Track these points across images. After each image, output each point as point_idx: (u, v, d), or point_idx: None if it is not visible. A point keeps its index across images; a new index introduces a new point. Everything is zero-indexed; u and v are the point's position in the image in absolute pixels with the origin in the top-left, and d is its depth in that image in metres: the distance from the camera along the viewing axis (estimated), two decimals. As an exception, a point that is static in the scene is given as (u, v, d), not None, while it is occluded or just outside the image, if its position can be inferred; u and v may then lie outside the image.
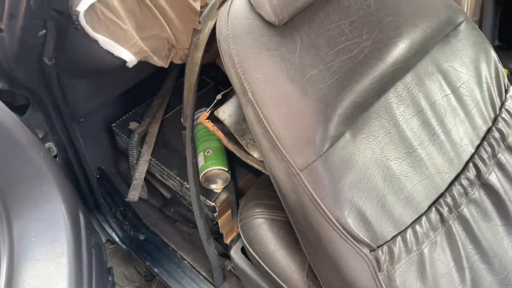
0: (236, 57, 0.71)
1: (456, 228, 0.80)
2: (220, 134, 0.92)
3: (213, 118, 0.95)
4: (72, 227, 0.75)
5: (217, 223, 1.22)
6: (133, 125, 1.33)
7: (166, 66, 0.91)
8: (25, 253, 0.67)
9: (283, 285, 0.92)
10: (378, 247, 0.72)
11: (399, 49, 0.78)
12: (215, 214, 1.18)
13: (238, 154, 0.92)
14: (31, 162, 0.70)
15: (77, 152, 1.15)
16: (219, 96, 0.93)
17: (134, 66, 0.92)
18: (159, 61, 0.88)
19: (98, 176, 1.41)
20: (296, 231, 0.79)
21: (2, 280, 0.64)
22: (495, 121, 0.92)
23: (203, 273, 1.21)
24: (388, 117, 0.78)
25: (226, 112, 0.93)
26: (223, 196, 1.18)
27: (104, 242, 1.32)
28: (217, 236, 1.28)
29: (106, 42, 0.77)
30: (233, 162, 1.23)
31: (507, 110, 0.94)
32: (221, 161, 1.16)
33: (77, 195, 0.84)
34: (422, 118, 0.82)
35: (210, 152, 1.17)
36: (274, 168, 0.73)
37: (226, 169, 1.15)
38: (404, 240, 0.74)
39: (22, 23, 0.71)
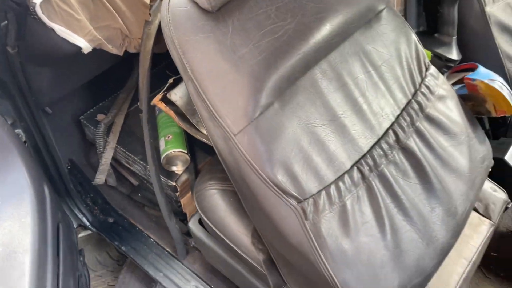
0: (176, 40, 0.82)
1: (376, 184, 0.92)
2: (172, 113, 1.03)
3: (166, 101, 1.06)
4: (36, 193, 0.84)
5: (180, 204, 1.32)
6: (100, 116, 1.43)
7: (121, 54, 1.02)
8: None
9: (235, 247, 1.02)
10: (304, 199, 0.84)
11: (321, 31, 0.90)
12: (177, 194, 1.28)
13: (189, 131, 1.03)
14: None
15: (45, 141, 1.24)
16: (170, 81, 1.04)
17: (96, 57, 1.02)
18: (113, 49, 0.99)
19: (69, 167, 1.50)
20: (238, 192, 0.90)
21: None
22: (414, 94, 1.05)
23: (167, 249, 1.31)
24: (314, 90, 0.90)
25: (177, 95, 1.04)
26: (184, 177, 1.28)
27: (75, 227, 1.40)
28: (182, 217, 1.38)
29: (61, 31, 0.87)
30: (193, 146, 1.33)
31: (426, 85, 1.07)
32: (181, 144, 1.26)
33: (42, 171, 0.94)
34: (345, 91, 0.94)
35: (171, 137, 1.27)
36: (213, 135, 0.85)
37: (186, 152, 1.25)
38: (328, 194, 0.86)
39: (-13, 15, 0.81)
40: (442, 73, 1.29)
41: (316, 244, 0.83)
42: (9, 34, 0.87)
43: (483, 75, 1.14)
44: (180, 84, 1.05)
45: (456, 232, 0.99)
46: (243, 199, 0.90)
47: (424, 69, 1.10)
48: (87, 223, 1.38)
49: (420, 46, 1.11)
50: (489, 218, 1.17)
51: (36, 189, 0.86)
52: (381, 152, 0.95)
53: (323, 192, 0.86)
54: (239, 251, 1.01)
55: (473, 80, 1.13)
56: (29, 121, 1.11)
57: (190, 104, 1.04)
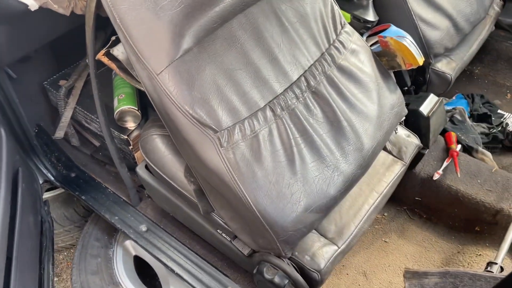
0: (107, -5, 0.97)
1: (287, 121, 1.07)
2: (113, 66, 1.17)
3: (110, 56, 1.20)
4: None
5: (134, 158, 1.47)
6: (62, 82, 1.57)
7: (67, 14, 1.15)
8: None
9: (172, 182, 1.17)
10: (220, 130, 0.99)
11: (237, -11, 1.05)
12: (130, 148, 1.43)
13: (129, 82, 1.18)
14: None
15: (9, 103, 1.37)
16: (113, 38, 1.19)
17: (50, 19, 1.16)
18: (60, 9, 1.12)
19: (36, 130, 1.64)
20: (166, 127, 1.05)
21: None
22: (328, 48, 1.20)
23: (123, 197, 1.46)
24: (231, 39, 1.04)
25: (119, 50, 1.19)
26: (136, 132, 1.43)
27: (41, 182, 1.54)
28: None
29: (8, -10, 1.01)
30: (146, 107, 1.48)
31: (339, 41, 1.23)
32: (132, 102, 1.41)
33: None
34: (261, 42, 1.09)
35: (123, 95, 1.42)
36: (141, 77, 0.99)
37: (136, 108, 1.40)
38: (241, 127, 1.01)
39: None
40: (361, 34, 1.45)
41: (230, 168, 0.99)
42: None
43: (394, 32, 1.30)
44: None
45: (361, 165, 1.14)
46: (171, 133, 1.05)
47: (339, 27, 1.25)
48: (52, 178, 1.52)
49: (336, 7, 1.26)
50: (401, 159, 1.33)
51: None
52: (293, 95, 1.10)
53: (237, 126, 1.01)
54: (175, 185, 1.16)
55: (385, 37, 1.29)
56: (-9, 78, 1.25)
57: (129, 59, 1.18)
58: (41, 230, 1.36)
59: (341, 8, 1.31)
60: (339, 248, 1.13)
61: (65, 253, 1.82)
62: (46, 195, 1.59)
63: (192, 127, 0.98)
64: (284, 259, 1.05)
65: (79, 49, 1.63)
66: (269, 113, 1.05)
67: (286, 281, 1.03)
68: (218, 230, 1.18)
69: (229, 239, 1.16)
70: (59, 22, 1.28)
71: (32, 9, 1.07)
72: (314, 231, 1.14)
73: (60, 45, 1.54)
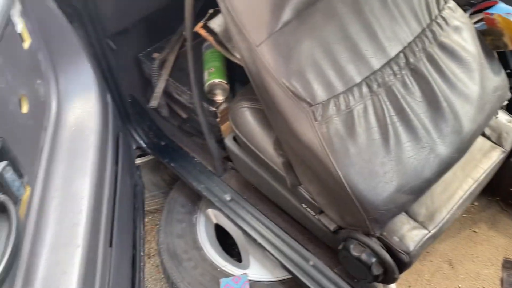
0: (213, -33, 0.99)
1: (383, 98, 1.04)
2: (210, 38, 1.20)
3: (207, 29, 1.23)
4: (100, 95, 1.06)
5: (220, 131, 1.51)
6: (155, 55, 1.65)
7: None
8: (67, 102, 0.99)
9: (260, 154, 1.20)
10: (315, 104, 0.99)
11: (339, -39, 1.02)
12: (218, 120, 1.47)
13: (224, 54, 1.21)
14: (74, 45, 1.02)
15: (110, 71, 1.47)
16: (210, 11, 1.22)
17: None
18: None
19: (130, 100, 1.74)
20: (260, 100, 1.06)
21: (52, 118, 0.96)
22: (429, 24, 1.14)
23: (209, 167, 1.51)
24: (330, 12, 1.03)
25: (216, 23, 1.22)
26: (224, 105, 1.46)
27: (134, 147, 1.65)
28: (223, 145, 1.57)
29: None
30: (234, 83, 1.52)
31: (442, 17, 1.16)
32: (222, 75, 1.44)
33: (106, 85, 1.16)
34: (361, 16, 1.06)
35: (213, 69, 1.46)
36: (240, 48, 1.01)
37: (225, 82, 1.44)
38: (336, 102, 1.00)
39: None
40: (465, 10, 1.35)
41: (323, 142, 0.98)
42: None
43: (502, 9, 1.20)
44: (219, 15, 1.22)
45: (459, 148, 1.09)
46: (265, 106, 1.06)
47: (442, 3, 1.18)
48: (144, 145, 1.62)
49: (441, -19, 1.19)
50: (501, 145, 1.24)
51: (101, 92, 1.08)
52: (390, 71, 1.06)
53: (332, 100, 1.00)
54: (264, 158, 1.19)
55: (492, 14, 1.20)
56: (97, 48, 1.34)
57: (226, 32, 1.21)
58: (134, 193, 1.46)
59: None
60: (429, 232, 1.09)
61: (150, 217, 1.94)
62: (137, 161, 1.70)
63: (287, 99, 0.99)
64: (372, 238, 1.04)
65: (171, 23, 1.71)
66: (365, 89, 1.03)
67: (374, 260, 1.02)
68: (303, 205, 1.19)
69: (314, 214, 1.17)
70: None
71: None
72: (403, 213, 1.11)
73: (153, 19, 1.61)
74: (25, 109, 0.83)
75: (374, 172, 0.99)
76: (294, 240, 1.28)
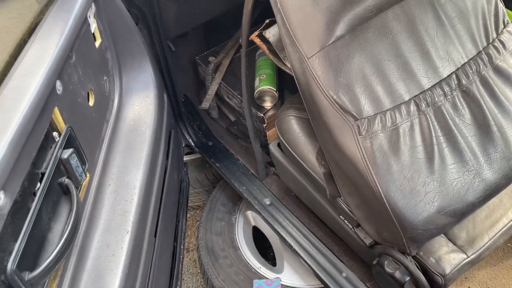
0: (272, -20, 1.03)
1: (431, 118, 1.04)
2: (264, 47, 1.25)
3: (262, 38, 1.28)
4: (158, 93, 1.14)
5: (266, 137, 1.56)
6: (211, 58, 1.72)
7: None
8: (128, 99, 1.07)
9: (302, 163, 1.22)
10: (361, 118, 1.00)
11: (397, -20, 1.04)
12: (264, 125, 1.52)
13: (276, 62, 1.25)
14: (139, 46, 1.10)
15: (169, 71, 1.56)
16: (267, 21, 1.26)
17: (211, 0, 1.28)
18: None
19: (183, 100, 1.82)
20: (307, 110, 1.09)
21: (113, 112, 1.04)
22: (486, 47, 1.13)
23: (252, 170, 1.56)
24: (383, 29, 1.04)
25: (271, 33, 1.26)
26: (271, 112, 1.51)
27: (183, 145, 1.73)
28: (267, 151, 1.61)
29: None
30: (283, 91, 1.56)
31: (500, 40, 1.14)
32: (272, 83, 1.49)
33: (164, 84, 1.23)
34: (414, 34, 1.07)
35: (264, 76, 1.51)
36: (292, 59, 1.05)
37: (275, 89, 1.48)
38: (382, 118, 1.01)
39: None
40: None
41: (365, 156, 1.00)
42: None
43: None
44: (274, 25, 1.26)
45: (507, 175, 1.06)
46: (311, 116, 1.09)
47: (501, 26, 1.16)
48: (192, 143, 1.69)
49: (501, 4, 1.17)
50: (554, 176, 1.20)
51: (159, 91, 1.16)
52: (441, 92, 1.06)
53: (379, 116, 1.01)
54: (305, 166, 1.21)
55: (555, 39, 1.16)
56: (158, 49, 1.43)
57: (280, 41, 1.25)
58: (180, 188, 1.53)
59: (506, 6, 1.21)
60: (468, 257, 1.07)
61: (192, 213, 2.02)
62: (185, 158, 1.77)
63: (334, 112, 1.02)
64: (407, 256, 1.04)
65: (227, 30, 1.77)
66: (413, 107, 1.04)
67: (407, 278, 1.02)
68: (341, 216, 1.21)
69: (351, 226, 1.18)
70: (218, 3, 1.41)
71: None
72: (442, 235, 1.10)
73: (211, 24, 1.68)
74: (91, 102, 0.92)
75: (415, 191, 0.99)
76: (329, 250, 1.30)
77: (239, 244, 1.56)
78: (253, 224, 1.65)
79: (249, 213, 1.64)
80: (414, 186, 0.99)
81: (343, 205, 1.17)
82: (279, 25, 1.05)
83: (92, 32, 0.94)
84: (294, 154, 1.24)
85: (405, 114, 1.03)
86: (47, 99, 0.70)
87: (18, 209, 0.62)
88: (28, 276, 0.60)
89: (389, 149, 1.00)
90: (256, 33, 1.26)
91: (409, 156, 1.01)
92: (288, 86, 1.58)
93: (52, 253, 0.64)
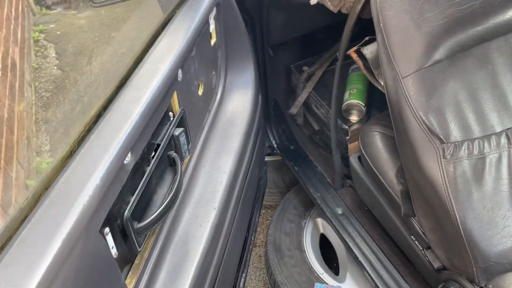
0: (378, 0, 1.09)
1: (522, 153, 1.02)
2: (360, 63, 1.31)
3: (359, 54, 1.34)
4: (255, 94, 1.24)
5: (347, 149, 1.60)
6: (305, 68, 1.81)
7: (335, 11, 1.33)
8: (229, 94, 1.19)
9: (381, 178, 1.26)
10: (447, 142, 1.02)
11: (505, 13, 1.04)
12: (347, 138, 1.56)
13: (369, 79, 1.30)
14: (246, 48, 1.22)
15: (265, 75, 1.67)
16: (366, 38, 1.32)
17: (316, 13, 1.37)
18: (330, 6, 1.31)
19: (273, 104, 1.93)
20: (394, 127, 1.13)
21: (216, 104, 1.17)
22: None
23: (328, 179, 1.62)
24: (484, 59, 1.05)
25: (368, 50, 1.32)
26: (356, 126, 1.55)
27: (266, 146, 1.83)
28: (346, 163, 1.66)
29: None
30: (371, 107, 1.60)
31: None
32: (361, 98, 1.54)
33: (260, 87, 1.34)
34: (516, 68, 1.06)
35: (355, 90, 1.56)
36: (386, 77, 1.09)
37: (363, 104, 1.52)
38: (469, 145, 1.02)
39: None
40: None
41: (447, 180, 1.01)
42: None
43: None
44: (372, 43, 1.32)
45: None
46: (397, 133, 1.13)
47: None
48: (275, 145, 1.79)
49: None
50: None
51: (256, 91, 1.26)
52: (537, 128, 1.04)
53: (466, 143, 1.02)
54: (383, 182, 1.24)
55: None
56: (259, 54, 1.54)
57: (376, 59, 1.30)
58: (258, 184, 1.63)
59: None
60: (542, 300, 1.03)
61: (263, 211, 2.11)
62: (266, 158, 1.88)
63: (420, 132, 1.04)
64: (475, 286, 1.03)
65: (324, 43, 1.85)
66: (503, 139, 1.03)
67: (472, 308, 1.01)
68: (412, 237, 1.22)
69: (421, 248, 1.19)
70: (321, 17, 1.49)
71: (312, 3, 1.29)
72: (517, 272, 1.07)
73: (311, 36, 1.77)
74: (200, 92, 1.04)
75: (494, 223, 0.99)
76: (394, 268, 1.31)
77: (305, 247, 1.62)
78: (321, 231, 1.69)
79: (319, 220, 1.70)
80: (493, 217, 0.99)
81: (415, 226, 1.18)
82: (379, 43, 1.10)
83: (210, 31, 1.06)
84: (374, 168, 1.27)
85: (495, 145, 1.02)
86: (171, 84, 0.83)
87: (137, 169, 0.74)
88: (136, 225, 0.72)
89: (472, 177, 1.01)
90: (354, 48, 1.32)
91: (492, 187, 1.00)
92: (376, 104, 1.62)
93: (156, 211, 0.76)
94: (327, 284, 1.47)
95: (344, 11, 1.35)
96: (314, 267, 1.54)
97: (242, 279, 1.32)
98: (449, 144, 1.02)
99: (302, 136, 1.84)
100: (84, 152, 0.64)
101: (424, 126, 1.03)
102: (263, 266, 1.85)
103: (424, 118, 1.03)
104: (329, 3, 1.30)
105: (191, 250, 0.85)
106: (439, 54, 1.04)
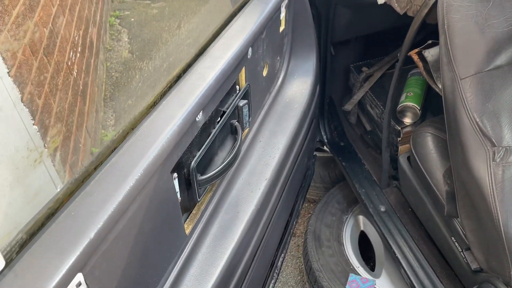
0: (445, 3, 1.13)
1: None
2: (420, 65, 1.34)
3: (420, 56, 1.37)
4: (313, 83, 1.31)
5: (397, 151, 1.63)
6: (365, 68, 1.85)
7: (401, 13, 1.37)
8: (290, 79, 1.27)
9: (428, 177, 1.28)
10: (498, 146, 1.04)
11: None
12: (399, 139, 1.59)
13: (428, 81, 1.33)
14: (310, 39, 1.29)
15: (324, 73, 1.74)
16: (429, 41, 1.35)
17: (382, 13, 1.42)
18: (397, 8, 1.35)
19: (328, 100, 1.99)
20: (446, 125, 1.16)
21: (277, 86, 1.25)
22: None
23: (374, 177, 1.65)
24: (546, 69, 1.06)
25: (430, 53, 1.35)
26: (409, 128, 1.58)
27: (317, 140, 1.89)
28: (395, 165, 1.69)
29: (369, -16, 1.30)
30: (426, 112, 1.61)
31: None
32: (417, 102, 1.56)
33: (319, 80, 1.41)
34: None
35: (412, 94, 1.58)
36: (445, 77, 1.13)
37: (419, 108, 1.55)
38: (522, 151, 1.03)
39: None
40: None
41: (493, 183, 1.03)
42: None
43: None
44: (435, 47, 1.34)
45: None
46: (449, 133, 1.15)
47: None
48: (325, 140, 1.85)
49: None
50: None
51: (315, 81, 1.33)
52: None
53: (518, 148, 1.04)
54: (430, 182, 1.27)
55: None
56: (321, 49, 1.61)
57: (437, 62, 1.32)
58: (305, 174, 1.69)
59: None
60: None
61: (306, 205, 2.17)
62: (315, 153, 1.94)
63: (473, 133, 1.07)
64: (511, 290, 1.04)
65: (385, 46, 1.88)
66: (558, 150, 1.03)
67: (505, 310, 1.02)
68: (453, 237, 1.24)
69: (460, 249, 1.20)
70: (386, 18, 1.54)
71: (379, 3, 1.34)
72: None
73: (373, 38, 1.81)
74: (264, 73, 1.13)
75: (538, 229, 0.99)
76: (431, 268, 1.33)
77: (344, 240, 1.66)
78: (361, 228, 1.73)
79: (360, 217, 1.73)
80: (539, 224, 0.99)
81: (457, 227, 1.20)
82: (441, 44, 1.14)
83: (280, 19, 1.15)
84: (422, 168, 1.30)
85: (549, 154, 1.03)
86: (241, 59, 0.92)
87: (205, 128, 0.84)
88: (198, 177, 0.82)
89: (520, 182, 1.02)
90: (416, 50, 1.36)
91: (541, 194, 1.01)
92: (432, 110, 1.63)
93: (217, 168, 0.85)
94: (361, 276, 1.51)
95: (410, 13, 1.39)
96: (350, 260, 1.59)
97: (281, 259, 1.39)
98: (500, 148, 1.04)
99: (353, 135, 1.89)
100: (165, 104, 0.74)
101: (477, 128, 1.06)
102: (300, 255, 1.91)
103: (478, 120, 1.06)
104: (396, 4, 1.35)
105: (242, 211, 0.94)
106: (500, 60, 1.06)
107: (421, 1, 1.37)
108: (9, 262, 0.53)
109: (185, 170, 0.79)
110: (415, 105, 1.54)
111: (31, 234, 0.55)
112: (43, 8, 1.77)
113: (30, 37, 1.58)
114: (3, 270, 0.52)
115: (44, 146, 1.50)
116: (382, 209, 1.54)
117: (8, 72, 1.38)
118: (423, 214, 1.40)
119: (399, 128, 1.56)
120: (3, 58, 1.38)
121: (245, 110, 0.97)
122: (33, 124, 1.47)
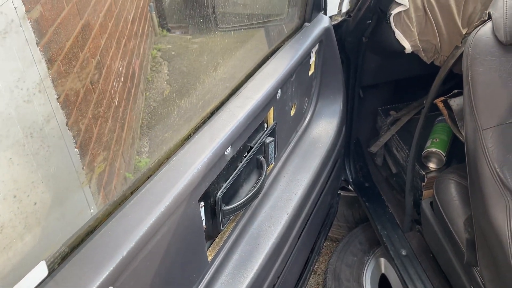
0: (470, 56, 1.17)
1: None
2: (445, 112, 1.38)
3: (445, 104, 1.41)
4: (340, 123, 1.37)
5: (421, 195, 1.64)
6: (392, 112, 1.89)
7: (428, 62, 1.42)
8: (316, 120, 1.33)
9: (449, 224, 1.29)
10: (519, 197, 1.05)
11: None
12: (423, 184, 1.61)
13: (453, 129, 1.36)
14: (338, 83, 1.36)
15: (351, 115, 1.79)
16: (455, 91, 1.39)
17: (409, 61, 1.47)
18: (424, 57, 1.40)
19: (354, 141, 2.03)
20: (468, 174, 1.18)
21: (303, 126, 1.31)
22: None
23: (397, 220, 1.66)
24: None
25: (455, 102, 1.38)
26: (433, 174, 1.59)
27: (342, 179, 1.92)
28: (417, 209, 1.69)
29: (398, 34, 1.36)
30: (452, 159, 1.63)
31: None
32: (443, 148, 1.58)
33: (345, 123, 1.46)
34: None
35: (438, 140, 1.61)
36: (467, 126, 1.16)
37: (444, 154, 1.57)
38: (544, 204, 1.04)
39: (362, 14, 1.38)
40: None
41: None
42: (368, 29, 1.43)
43: None
44: (460, 96, 1.38)
45: None
46: (470, 181, 1.17)
47: None
48: (350, 179, 1.88)
49: None
50: None
51: (341, 123, 1.39)
52: None
53: (540, 201, 1.05)
54: (451, 228, 1.28)
55: None
56: (350, 92, 1.67)
57: (461, 111, 1.35)
58: (327, 212, 1.72)
59: None
60: None
61: (328, 243, 2.18)
62: (339, 192, 1.97)
63: (493, 184, 1.09)
64: None
65: (413, 92, 1.93)
66: None
67: None
68: (472, 287, 1.23)
69: (479, 299, 1.19)
70: (414, 66, 1.59)
71: (406, 52, 1.40)
72: None
73: (401, 83, 1.86)
74: (292, 112, 1.20)
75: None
76: (449, 317, 1.32)
77: (364, 282, 1.66)
78: (382, 271, 1.72)
79: (382, 260, 1.73)
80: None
81: (477, 276, 1.19)
82: (465, 95, 1.18)
83: (310, 63, 1.22)
84: (444, 214, 1.32)
85: None
86: (270, 100, 0.99)
87: (233, 162, 0.91)
88: (223, 207, 0.88)
89: (541, 235, 1.02)
90: (442, 98, 1.40)
91: (562, 249, 1.01)
92: (457, 158, 1.64)
93: (241, 200, 0.91)
94: (379, 320, 1.49)
95: (437, 63, 1.44)
96: (369, 302, 1.58)
97: (300, 293, 1.41)
98: (521, 199, 1.05)
99: (378, 176, 1.91)
100: (198, 138, 0.81)
101: (498, 178, 1.08)
102: (319, 293, 1.91)
103: (498, 170, 1.08)
104: (423, 54, 1.41)
105: (262, 243, 0.98)
106: (523, 113, 1.08)
107: (448, 52, 1.42)
108: (51, 271, 0.59)
109: (211, 200, 0.85)
110: (440, 151, 1.57)
111: (72, 248, 0.62)
112: (93, 40, 1.93)
113: (79, 66, 1.72)
114: (45, 278, 0.59)
115: (82, 168, 1.60)
116: (404, 253, 1.55)
117: (57, 98, 1.51)
118: (443, 260, 1.40)
119: (424, 173, 1.58)
120: (55, 86, 1.51)
121: (271, 147, 1.03)
122: (75, 147, 1.59)
